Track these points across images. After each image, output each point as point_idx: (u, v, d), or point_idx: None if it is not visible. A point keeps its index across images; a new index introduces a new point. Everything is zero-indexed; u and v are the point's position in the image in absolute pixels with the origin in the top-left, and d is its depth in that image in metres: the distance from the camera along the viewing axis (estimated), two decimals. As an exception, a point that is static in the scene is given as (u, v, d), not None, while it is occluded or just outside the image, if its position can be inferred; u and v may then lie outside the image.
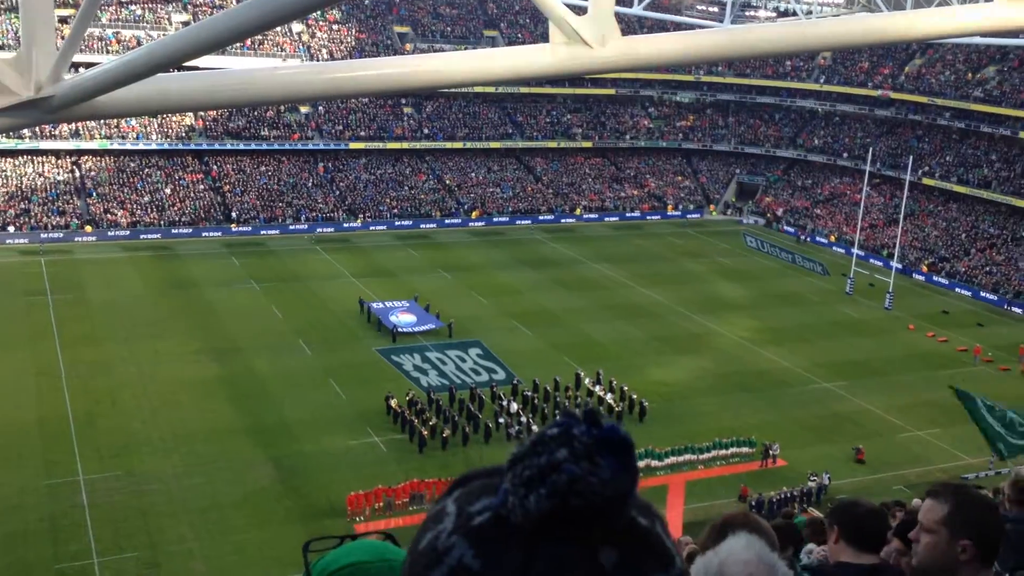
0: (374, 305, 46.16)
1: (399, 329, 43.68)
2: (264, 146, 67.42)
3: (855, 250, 58.58)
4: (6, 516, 27.44)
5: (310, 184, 67.07)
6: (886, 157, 71.10)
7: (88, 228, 58.13)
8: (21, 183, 60.24)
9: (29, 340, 40.81)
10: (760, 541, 1.70)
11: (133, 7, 68.47)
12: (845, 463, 34.06)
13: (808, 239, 68.26)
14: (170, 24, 67.38)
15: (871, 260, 61.05)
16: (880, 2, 30.53)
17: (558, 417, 0.94)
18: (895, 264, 56.75)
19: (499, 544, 0.89)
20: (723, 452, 33.83)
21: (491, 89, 73.52)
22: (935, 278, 60.01)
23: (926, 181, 67.75)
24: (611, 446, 0.90)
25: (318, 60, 67.16)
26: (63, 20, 53.17)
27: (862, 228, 62.04)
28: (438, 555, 0.91)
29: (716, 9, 76.31)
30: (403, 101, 73.71)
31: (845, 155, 74.16)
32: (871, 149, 67.53)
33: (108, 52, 62.04)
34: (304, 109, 70.11)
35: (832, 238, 67.35)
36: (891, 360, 44.58)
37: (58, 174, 61.84)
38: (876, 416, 38.43)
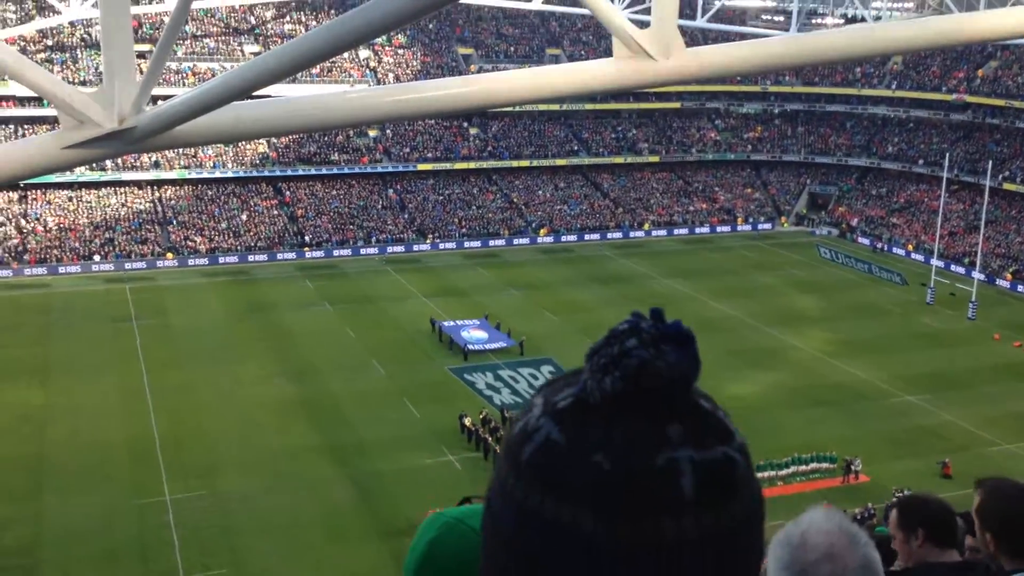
0: (445, 324, 46.51)
1: (470, 346, 43.91)
2: (335, 170, 68.69)
3: (934, 259, 57.00)
4: (97, 535, 28.30)
5: (380, 206, 68.05)
6: (964, 163, 69.14)
7: (169, 255, 59.89)
8: (106, 213, 62.41)
9: (116, 365, 42.12)
10: (840, 513, 1.72)
11: (207, 40, 70.61)
12: (931, 478, 33.02)
13: (885, 248, 66.65)
14: (243, 55, 69.28)
15: (952, 269, 59.33)
16: (951, 4, 29.80)
17: (628, 316, 1.09)
18: (977, 273, 55.02)
19: (581, 421, 1.03)
20: (803, 468, 33.14)
21: (556, 107, 73.74)
22: (1020, 286, 57.98)
23: (1007, 186, 65.65)
24: (675, 337, 1.04)
25: (384, 84, 68.28)
26: (141, 55, 55.15)
27: (941, 236, 60.35)
28: (528, 434, 1.06)
29: (782, 18, 75.36)
30: (468, 122, 74.41)
31: (921, 162, 72.33)
32: (948, 155, 65.75)
33: (185, 84, 64.04)
34: (372, 133, 71.28)
35: (910, 247, 65.65)
36: (976, 371, 43.17)
37: (140, 204, 63.91)
38: (962, 429, 37.23)
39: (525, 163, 73.18)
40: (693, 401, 1.06)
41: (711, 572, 1.01)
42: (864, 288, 56.64)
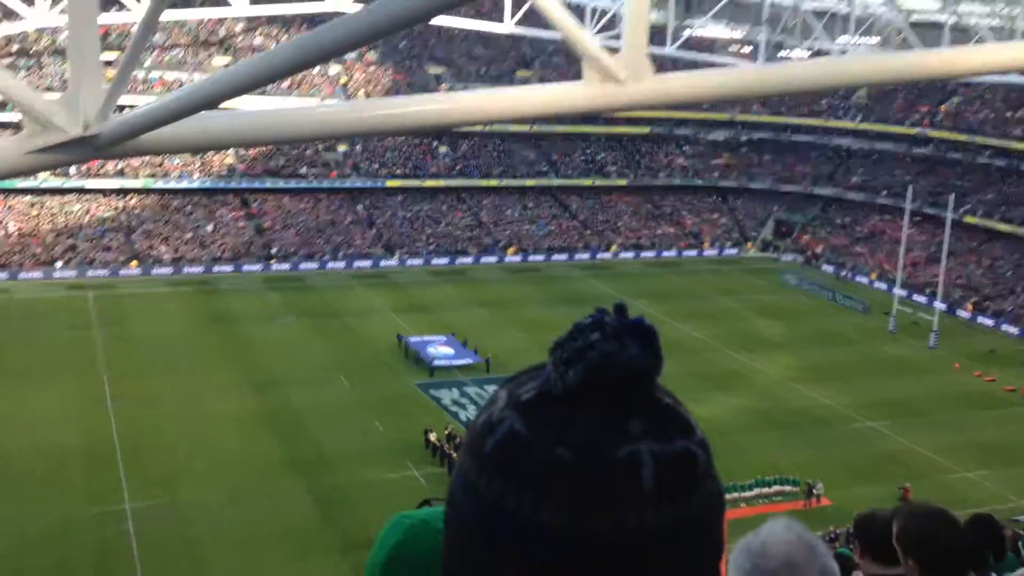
0: (412, 339, 46.37)
1: (436, 362, 43.79)
2: (303, 184, 68.40)
3: (897, 288, 57.81)
4: (52, 544, 27.75)
5: (348, 221, 67.82)
6: (926, 195, 70.31)
7: (133, 264, 59.18)
8: (68, 220, 61.59)
9: (76, 372, 41.47)
10: (799, 524, 1.74)
11: (176, 50, 70.18)
12: (891, 503, 33.34)
13: (849, 276, 67.50)
14: (211, 67, 68.90)
15: (914, 298, 60.19)
16: (915, 40, 30.42)
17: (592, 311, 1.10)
18: (939, 303, 55.87)
19: (543, 413, 1.04)
20: (766, 490, 33.38)
21: (526, 128, 74.08)
22: (980, 317, 58.97)
23: (968, 219, 66.84)
24: (637, 331, 1.06)
25: (355, 100, 68.22)
26: (108, 63, 54.56)
27: (904, 266, 61.23)
28: (492, 426, 1.07)
29: (750, 50, 76.41)
30: (438, 140, 74.50)
31: (884, 192, 73.46)
32: (911, 187, 66.79)
33: (152, 93, 63.54)
34: (342, 148, 71.14)
35: (873, 276, 66.56)
36: (937, 399, 43.75)
37: (104, 211, 63.17)
38: (922, 456, 37.68)
39: (494, 182, 73.35)
40: (655, 395, 1.07)
41: (671, 563, 1.02)
42: (828, 315, 57.29)
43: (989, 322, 58.13)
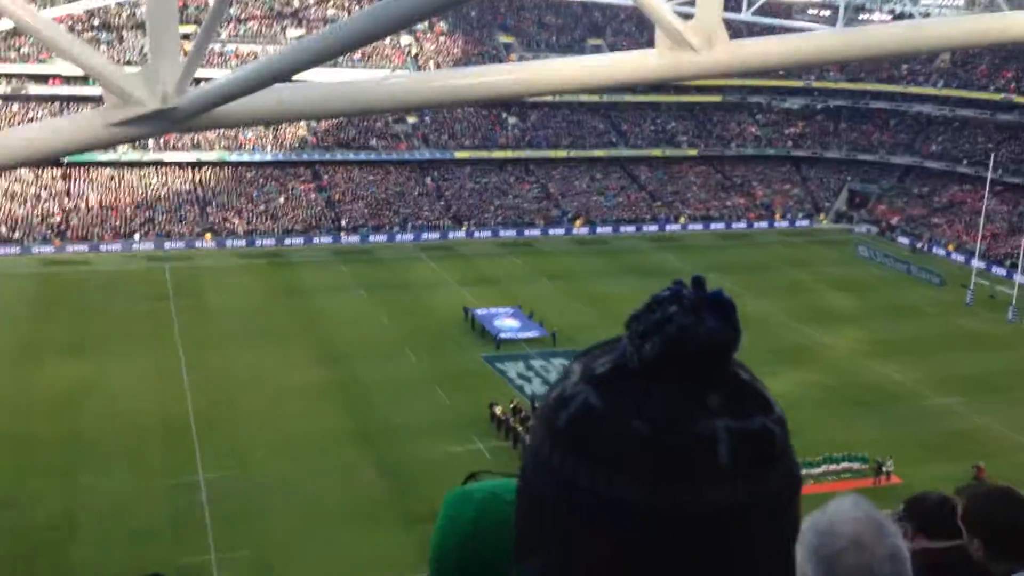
0: (478, 311, 46.60)
1: (502, 335, 43.97)
2: (372, 156, 69.00)
3: (976, 260, 56.09)
4: (131, 513, 28.71)
5: (416, 193, 68.26)
6: (1009, 163, 67.88)
7: (208, 236, 60.55)
8: (147, 193, 63.22)
9: (153, 343, 42.68)
10: (868, 502, 1.72)
11: (251, 23, 71.13)
12: (962, 482, 32.56)
13: (925, 248, 65.69)
14: (285, 39, 69.72)
15: (993, 271, 58.32)
16: (1002, 2, 29.23)
17: (670, 284, 1.08)
18: (1019, 275, 54.04)
19: (619, 386, 1.03)
20: (834, 467, 32.88)
21: (595, 98, 73.44)
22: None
23: (1054, 188, 64.38)
24: (716, 305, 1.05)
25: (425, 71, 68.39)
26: (185, 36, 55.58)
27: (983, 237, 59.35)
28: (565, 400, 1.05)
29: (828, 13, 74.36)
30: (507, 110, 74.32)
31: (965, 161, 71.14)
32: (993, 155, 64.57)
33: (228, 66, 64.57)
34: (411, 119, 71.48)
35: (951, 247, 64.64)
36: (1014, 375, 42.44)
37: (180, 184, 64.65)
38: (998, 433, 36.68)
39: (562, 153, 73.00)
40: (732, 371, 1.06)
41: (747, 541, 1.00)
42: (902, 288, 55.90)
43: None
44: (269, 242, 61.10)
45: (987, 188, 60.02)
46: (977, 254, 56.85)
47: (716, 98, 77.50)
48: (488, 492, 1.56)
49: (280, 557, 27.04)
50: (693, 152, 75.73)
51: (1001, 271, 58.47)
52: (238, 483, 30.87)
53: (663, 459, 0.98)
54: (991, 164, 61.36)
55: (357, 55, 66.58)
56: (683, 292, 1.05)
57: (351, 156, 68.52)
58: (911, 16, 46.94)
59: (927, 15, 47.62)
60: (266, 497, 30.06)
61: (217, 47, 66.64)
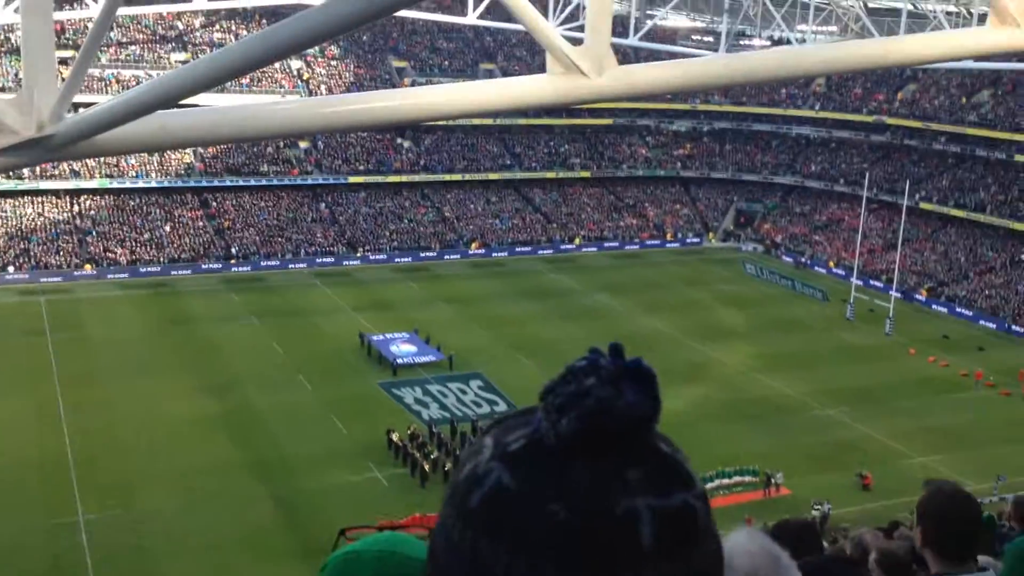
0: (374, 337, 46.13)
1: (399, 360, 43.62)
2: (263, 182, 67.73)
3: (854, 276, 58.65)
4: (8, 558, 27.22)
5: (309, 219, 67.28)
6: (883, 182, 71.38)
7: (88, 267, 58.21)
8: (21, 223, 60.41)
9: (28, 380, 40.71)
10: (763, 534, 1.73)
11: (133, 47, 69.08)
12: (849, 490, 33.85)
13: (807, 265, 68.35)
14: (169, 63, 67.94)
15: (871, 285, 61.09)
16: (872, 29, 30.75)
17: (586, 352, 1.03)
18: (894, 289, 56.78)
19: (534, 465, 0.97)
20: (727, 481, 33.70)
21: (489, 121, 73.97)
22: (935, 303, 60.02)
23: (923, 206, 67.96)
24: (635, 375, 1.00)
25: (316, 96, 67.61)
26: (63, 61, 53.55)
27: (861, 254, 62.14)
28: (478, 479, 0.99)
29: (711, 39, 76.94)
30: (401, 135, 74.15)
31: (842, 181, 74.46)
32: (868, 175, 67.82)
33: (108, 92, 62.48)
34: (303, 144, 70.52)
35: (831, 264, 67.45)
36: (893, 386, 44.45)
37: (57, 214, 62.05)
38: (879, 443, 38.27)
39: (457, 177, 73.19)
40: (653, 444, 1.02)
41: None
42: (787, 304, 57.95)
43: (943, 308, 59.19)
44: (154, 271, 59.14)
45: (863, 206, 62.92)
46: (856, 270, 59.45)
47: (607, 121, 79.11)
48: (378, 551, 1.47)
49: (172, 598, 26.02)
50: (586, 174, 77.03)
51: (878, 285, 61.29)
52: (121, 521, 29.62)
53: (583, 545, 0.93)
54: (866, 183, 64.38)
55: (246, 80, 65.40)
56: (600, 362, 1.01)
57: (240, 182, 67.09)
58: (789, 42, 49.00)
59: (803, 41, 49.81)
60: (153, 535, 28.93)
61: (97, 72, 64.44)
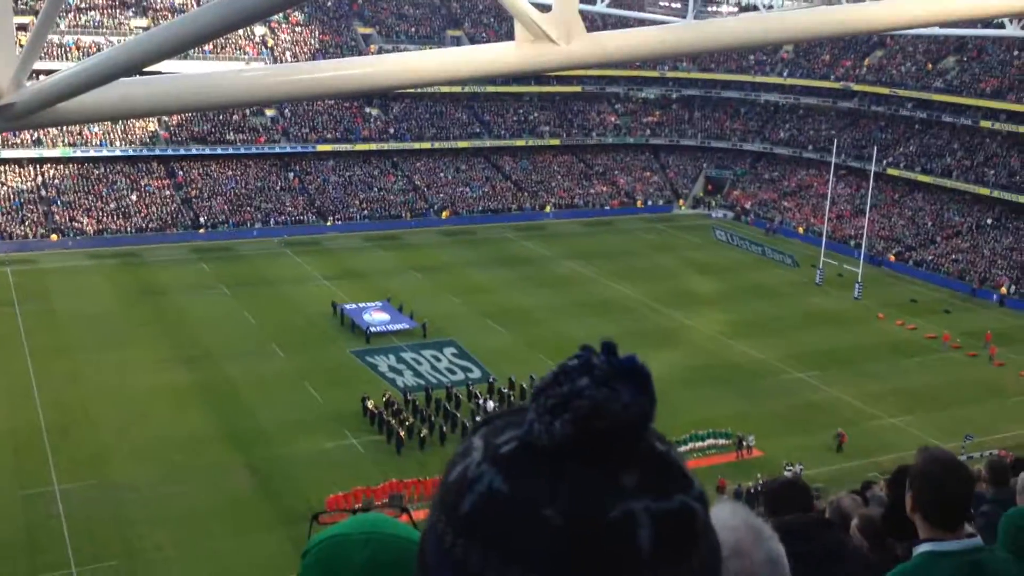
0: (347, 306, 45.99)
1: (372, 328, 43.56)
2: (230, 150, 66.91)
3: (823, 241, 59.15)
4: (-22, 531, 27.07)
5: (278, 187, 66.67)
6: (850, 148, 71.85)
7: (54, 237, 57.40)
8: (-17, 193, 59.38)
9: (-4, 352, 40.25)
10: (744, 508, 1.75)
11: (92, 13, 67.68)
12: (820, 452, 34.40)
13: (776, 231, 68.83)
14: (130, 30, 66.67)
15: (839, 251, 61.68)
16: (841, -6, 30.87)
17: (578, 351, 1.00)
18: (863, 254, 57.38)
19: (527, 468, 0.94)
20: (700, 444, 34.15)
21: (458, 89, 73.41)
22: (903, 267, 60.75)
23: (890, 171, 68.55)
24: (629, 374, 0.96)
25: (281, 63, 66.70)
26: (21, 27, 52.45)
27: (829, 219, 62.66)
28: (468, 483, 0.95)
29: (679, 5, 76.70)
30: (369, 102, 73.44)
31: (810, 147, 74.86)
32: (836, 141, 68.24)
33: (68, 59, 61.28)
34: (270, 112, 69.69)
35: (800, 230, 67.97)
36: (862, 349, 45.07)
37: (21, 183, 61.02)
38: (849, 405, 38.86)
39: (427, 145, 72.74)
40: (649, 444, 0.98)
41: None
42: (757, 270, 58.41)
43: (911, 272, 59.94)
44: (121, 241, 58.42)
45: (831, 172, 63.36)
46: (824, 235, 59.95)
47: (576, 88, 78.81)
48: (366, 533, 1.45)
49: (148, 568, 26.05)
50: (556, 142, 76.83)
51: (847, 251, 61.89)
52: (97, 492, 29.52)
53: (579, 552, 0.89)
54: (834, 149, 64.79)
55: (209, 47, 64.34)
56: (593, 361, 0.98)
57: (207, 151, 66.25)
58: (756, 8, 48.94)
59: (771, 7, 49.77)
60: (129, 506, 28.86)
61: (56, 39, 63.10)
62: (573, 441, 0.93)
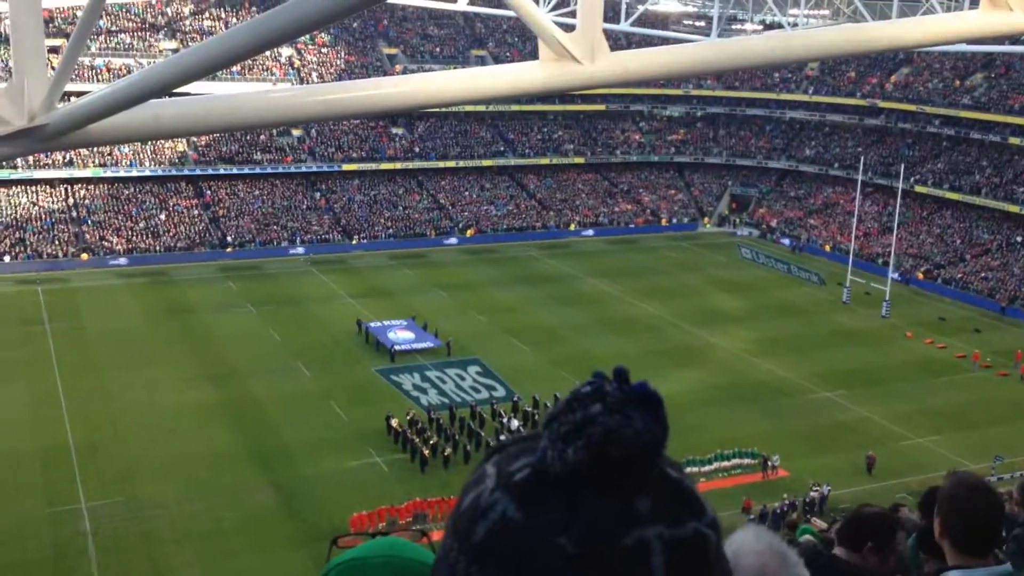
0: (372, 325, 46.14)
1: (397, 347, 43.65)
2: (257, 170, 67.55)
3: (850, 259, 58.71)
4: (7, 546, 27.29)
5: (304, 207, 67.17)
6: (877, 166, 71.37)
7: (84, 256, 58.11)
8: (16, 213, 60.27)
9: (27, 369, 40.68)
10: (770, 532, 1.74)
11: (123, 36, 68.75)
12: (847, 472, 34.00)
13: (802, 249, 68.39)
14: (159, 52, 67.64)
15: (867, 269, 61.17)
16: (865, 12, 30.71)
17: (590, 377, 1.00)
18: (891, 272, 56.86)
19: (540, 496, 0.94)
20: (725, 464, 33.81)
21: (482, 108, 73.75)
22: (931, 285, 60.12)
23: (918, 189, 67.98)
24: (642, 400, 0.96)
25: (308, 83, 67.38)
26: (53, 50, 53.34)
27: (856, 237, 62.18)
28: (481, 511, 0.95)
29: (703, 23, 76.73)
30: (394, 122, 73.95)
31: (836, 165, 74.42)
32: (862, 158, 67.80)
33: (99, 80, 62.24)
34: (296, 132, 70.32)
35: (827, 248, 67.49)
36: (890, 368, 44.58)
37: (52, 203, 61.90)
38: (877, 424, 38.41)
39: (451, 163, 73.05)
40: (661, 470, 0.98)
41: None
42: (783, 288, 58.02)
43: (940, 290, 59.30)
44: (151, 260, 59.05)
45: (858, 190, 62.94)
46: (851, 253, 59.50)
47: (600, 107, 78.93)
48: (384, 557, 1.46)
49: (172, 586, 26.12)
50: (580, 160, 76.90)
51: (874, 270, 61.36)
52: (124, 509, 29.70)
53: None
54: (861, 167, 64.37)
55: (236, 68, 65.15)
56: (605, 388, 0.97)
57: (234, 170, 66.92)
58: (780, 26, 48.89)
59: (795, 25, 49.68)
60: (155, 523, 29.02)
61: (87, 61, 64.16)
62: (586, 468, 0.93)
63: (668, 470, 0.99)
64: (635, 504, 0.93)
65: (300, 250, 62.52)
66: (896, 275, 58.03)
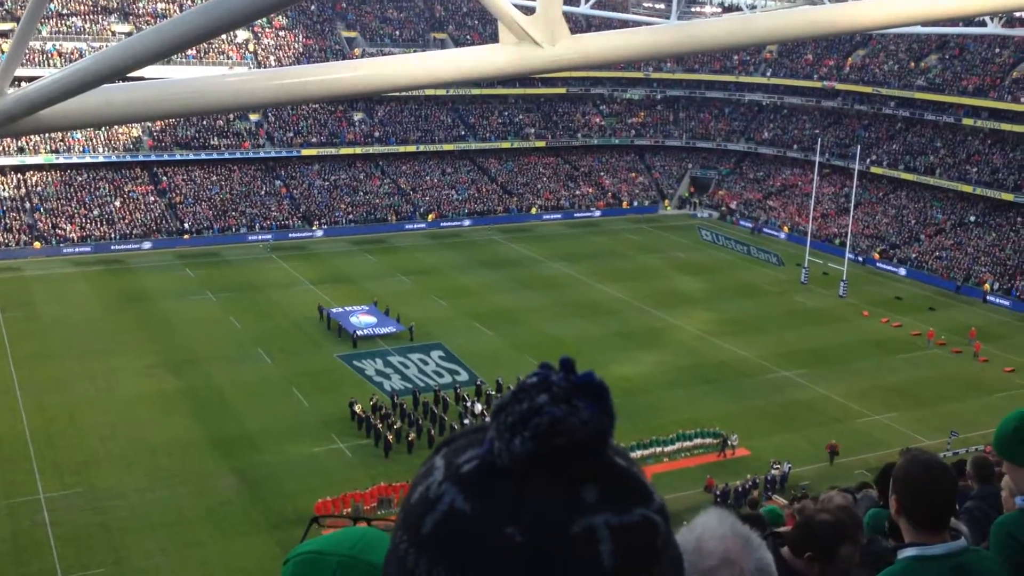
0: (333, 311, 45.87)
1: (359, 332, 43.46)
2: (215, 155, 66.66)
3: (808, 240, 59.41)
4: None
5: (263, 192, 66.44)
6: (834, 147, 72.19)
7: (37, 244, 57.02)
8: (-35, 201, 58.94)
9: (-20, 361, 39.92)
10: (732, 516, 1.75)
11: (74, 19, 67.31)
12: (807, 450, 34.53)
13: (762, 229, 69.06)
14: (112, 35, 66.35)
15: (824, 249, 61.94)
16: (823, -6, 31.03)
17: (536, 368, 1.00)
18: (848, 252, 57.65)
19: (488, 487, 0.95)
20: (687, 444, 34.20)
21: (442, 92, 73.40)
22: (887, 265, 61.06)
23: (874, 170, 68.90)
24: (588, 390, 0.96)
25: (265, 67, 66.51)
26: (2, 34, 52.19)
27: (814, 218, 62.92)
28: (430, 503, 0.96)
29: (662, 6, 76.89)
30: (353, 107, 73.30)
31: (795, 147, 75.18)
32: (819, 140, 68.54)
33: (50, 65, 60.93)
34: (254, 117, 69.46)
35: (785, 229, 68.23)
36: (847, 347, 45.27)
37: (3, 190, 60.62)
38: (835, 403, 39.02)
39: (412, 148, 72.66)
40: (608, 459, 0.99)
41: None
42: (743, 269, 58.59)
43: (895, 270, 60.27)
44: (106, 248, 58.09)
45: (815, 171, 63.64)
46: (809, 234, 60.21)
47: (561, 90, 78.89)
48: (342, 557, 1.45)
49: (134, 573, 25.88)
50: (541, 144, 76.88)
51: (832, 250, 62.16)
52: (83, 500, 29.36)
53: (542, 568, 0.90)
54: (818, 149, 65.08)
55: (192, 52, 64.10)
56: (552, 378, 0.98)
57: (191, 156, 65.97)
58: (739, 8, 49.16)
59: (753, 8, 49.98)
60: (116, 513, 28.71)
61: (38, 45, 62.72)
62: (533, 458, 0.93)
63: (615, 458, 0.99)
64: (582, 493, 0.94)
65: (261, 236, 61.84)
66: (853, 255, 58.82)
